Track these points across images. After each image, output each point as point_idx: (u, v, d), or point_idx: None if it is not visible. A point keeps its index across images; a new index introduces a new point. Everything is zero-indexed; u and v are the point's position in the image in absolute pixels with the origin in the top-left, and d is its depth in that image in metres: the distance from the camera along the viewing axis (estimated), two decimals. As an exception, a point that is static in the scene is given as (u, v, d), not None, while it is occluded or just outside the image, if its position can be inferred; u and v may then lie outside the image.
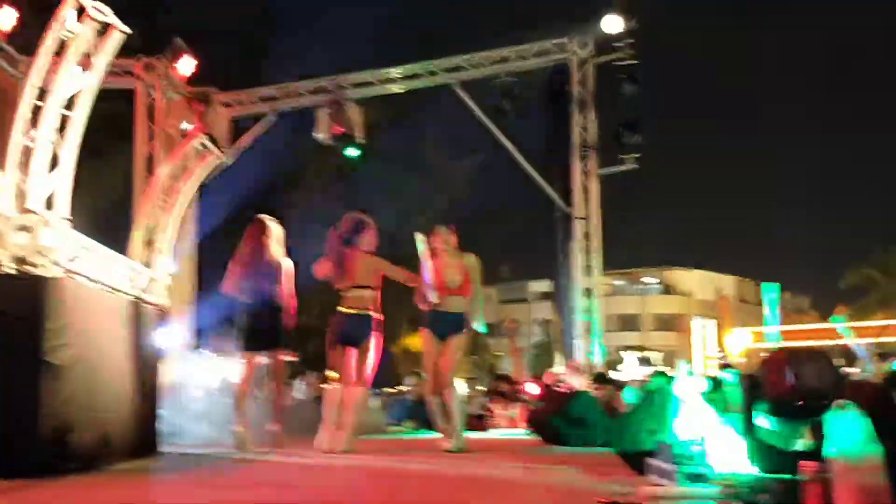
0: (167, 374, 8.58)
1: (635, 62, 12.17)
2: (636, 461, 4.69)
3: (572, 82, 12.60)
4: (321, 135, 12.81)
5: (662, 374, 9.78)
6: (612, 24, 12.25)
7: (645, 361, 23.84)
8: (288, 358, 8.46)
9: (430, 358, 6.93)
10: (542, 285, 46.69)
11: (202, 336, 14.37)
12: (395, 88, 13.12)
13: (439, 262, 6.94)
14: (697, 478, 4.06)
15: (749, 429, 3.87)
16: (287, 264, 7.74)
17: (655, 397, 5.18)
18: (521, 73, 12.68)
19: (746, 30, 78.52)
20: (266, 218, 7.85)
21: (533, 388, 10.76)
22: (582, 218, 12.44)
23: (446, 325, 6.91)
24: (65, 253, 5.45)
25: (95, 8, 5.37)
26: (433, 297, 6.86)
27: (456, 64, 12.78)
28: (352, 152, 12.85)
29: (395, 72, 12.97)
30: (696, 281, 53.43)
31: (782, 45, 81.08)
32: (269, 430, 7.71)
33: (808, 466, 3.32)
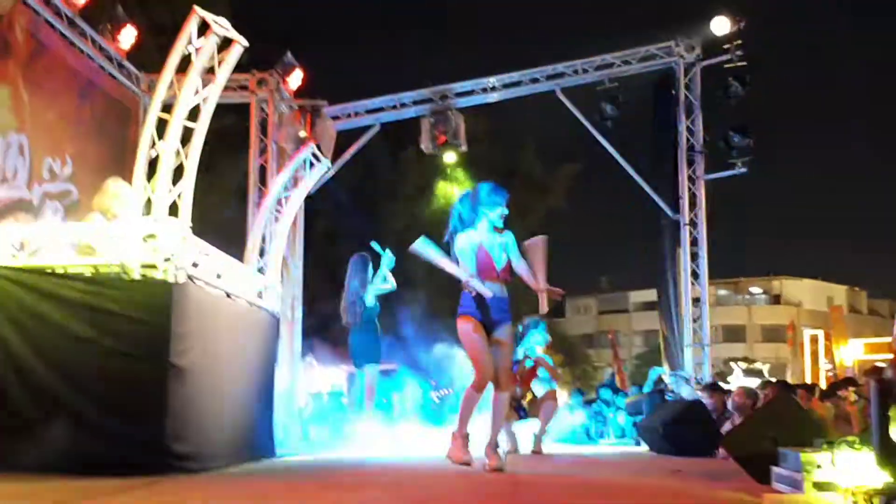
0: (279, 379, 8.82)
1: (744, 64, 11.88)
2: (759, 468, 4.57)
3: (679, 86, 12.37)
4: (426, 144, 12.95)
5: (784, 382, 9.50)
6: (720, 25, 11.99)
7: (753, 373, 23.12)
8: (388, 367, 8.90)
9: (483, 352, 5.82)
10: (644, 295, 45.94)
11: (310, 344, 14.69)
12: (497, 97, 13.14)
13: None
14: (825, 486, 3.93)
15: (882, 436, 3.72)
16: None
17: (776, 404, 5.03)
18: (625, 77, 12.53)
19: (865, 29, 75.38)
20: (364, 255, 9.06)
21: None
22: (689, 224, 12.21)
23: (496, 311, 5.90)
24: (188, 259, 5.66)
25: (217, 23, 5.59)
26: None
27: (559, 71, 12.70)
28: (450, 158, 13.00)
29: (496, 80, 12.99)
30: (805, 290, 51.64)
31: None
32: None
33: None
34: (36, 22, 8.86)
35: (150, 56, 11.64)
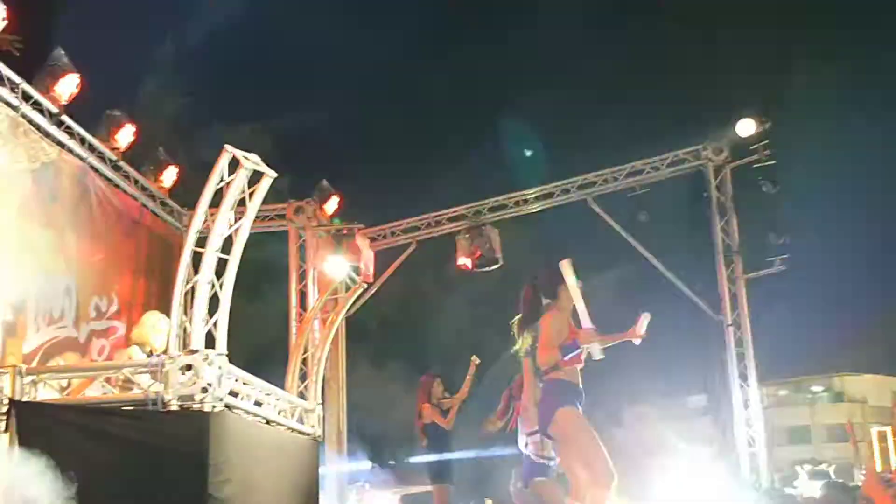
0: (326, 505, 8.71)
1: (773, 163, 11.94)
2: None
3: (710, 188, 12.44)
4: (462, 260, 13.08)
5: (843, 484, 9.15)
6: (746, 127, 12.12)
7: (819, 475, 22.20)
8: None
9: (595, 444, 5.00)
10: (701, 399, 44.81)
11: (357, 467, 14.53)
12: (531, 209, 13.31)
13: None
14: None
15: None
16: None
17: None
18: (657, 182, 12.65)
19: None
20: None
21: None
22: (731, 325, 12.04)
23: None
24: (225, 388, 5.74)
25: (247, 158, 5.82)
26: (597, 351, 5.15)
27: (589, 181, 12.87)
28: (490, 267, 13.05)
29: (529, 193, 13.19)
30: (868, 386, 50.00)
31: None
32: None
33: None
34: (81, 168, 9.30)
35: (194, 192, 12.07)
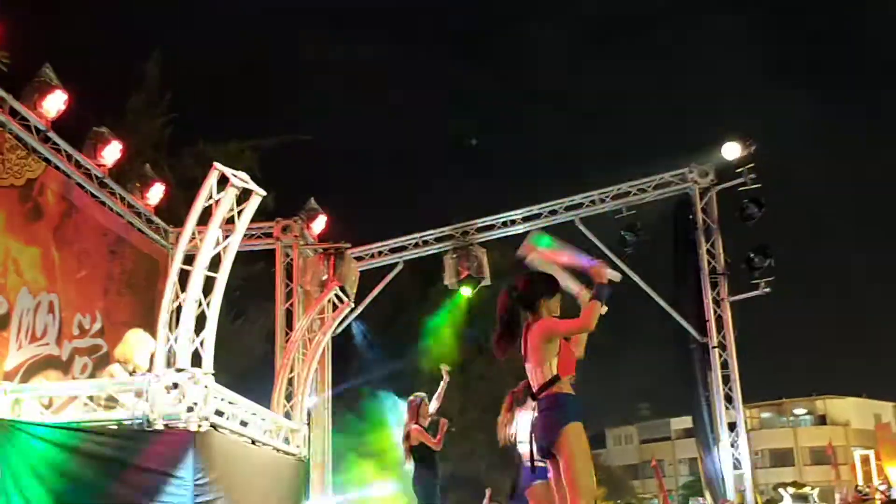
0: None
1: (758, 186, 12.02)
2: None
3: (696, 211, 12.50)
4: (449, 280, 13.07)
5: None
6: (732, 150, 12.19)
7: (801, 499, 22.18)
8: None
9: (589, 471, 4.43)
10: (685, 421, 44.80)
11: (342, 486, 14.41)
12: (518, 230, 13.32)
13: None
14: None
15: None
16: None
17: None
18: (643, 203, 12.69)
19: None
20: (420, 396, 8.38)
21: None
22: (717, 347, 12.06)
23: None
24: (211, 408, 5.69)
25: (236, 175, 5.81)
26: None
27: (576, 202, 12.90)
28: (465, 292, 13.08)
29: (516, 214, 13.22)
30: (851, 409, 50.18)
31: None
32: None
33: None
34: (67, 185, 9.25)
35: (180, 210, 12.03)
